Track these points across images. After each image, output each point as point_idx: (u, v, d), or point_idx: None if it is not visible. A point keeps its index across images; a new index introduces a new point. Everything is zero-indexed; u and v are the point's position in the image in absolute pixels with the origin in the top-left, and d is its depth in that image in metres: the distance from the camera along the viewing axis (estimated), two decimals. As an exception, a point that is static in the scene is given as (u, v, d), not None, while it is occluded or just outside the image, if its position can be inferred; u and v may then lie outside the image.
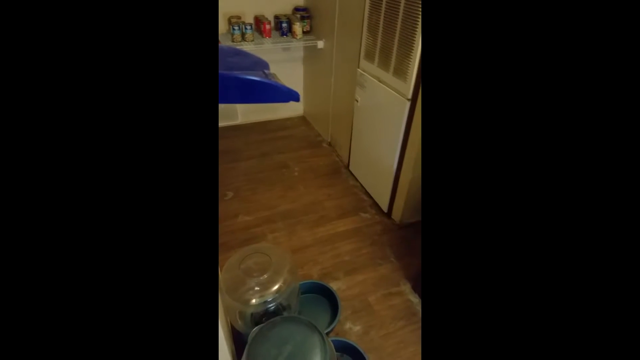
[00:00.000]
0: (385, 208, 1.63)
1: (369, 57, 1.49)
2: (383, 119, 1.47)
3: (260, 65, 0.51)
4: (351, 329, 1.15)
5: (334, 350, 0.82)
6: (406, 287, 1.30)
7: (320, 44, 1.99)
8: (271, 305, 0.92)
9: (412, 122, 1.32)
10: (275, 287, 0.90)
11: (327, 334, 1.10)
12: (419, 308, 1.23)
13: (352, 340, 1.09)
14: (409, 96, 1.28)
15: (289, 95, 0.46)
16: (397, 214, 1.57)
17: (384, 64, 1.39)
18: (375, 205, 1.69)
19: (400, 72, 1.29)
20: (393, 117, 1.39)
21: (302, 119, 2.51)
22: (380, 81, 1.44)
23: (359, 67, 1.59)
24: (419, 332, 1.16)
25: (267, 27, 1.93)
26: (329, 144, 2.19)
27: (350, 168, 1.91)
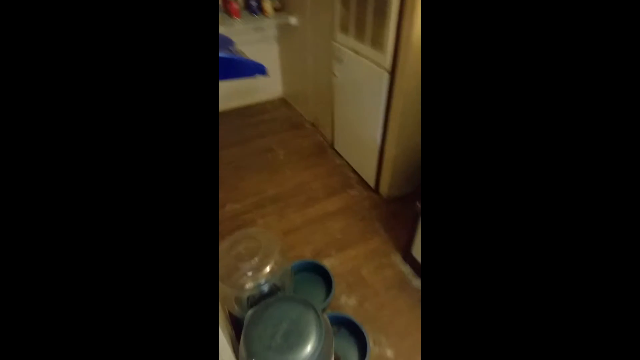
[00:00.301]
0: (372, 184, 1.64)
1: (344, 29, 1.45)
2: (363, 92, 1.46)
3: (224, 42, 0.49)
4: (346, 303, 1.18)
5: (330, 324, 0.84)
6: (397, 258, 1.33)
7: (293, 21, 1.92)
8: (265, 287, 0.93)
9: (392, 94, 1.30)
10: (267, 269, 0.91)
11: (323, 309, 1.12)
12: (410, 277, 1.26)
13: (348, 313, 1.12)
14: (388, 67, 1.26)
15: (256, 69, 0.44)
16: (384, 189, 1.58)
17: (360, 35, 1.35)
18: (362, 181, 1.70)
19: (377, 42, 1.27)
20: (373, 90, 1.37)
21: (282, 101, 2.46)
22: (357, 53, 1.41)
23: (335, 41, 1.55)
24: (412, 300, 1.19)
25: (235, 6, 1.85)
26: (312, 124, 2.16)
27: (335, 147, 1.90)
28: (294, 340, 0.73)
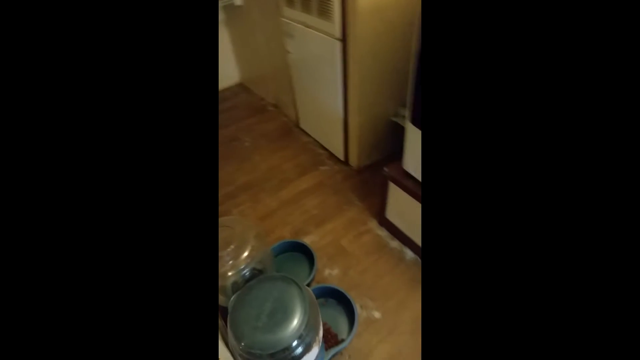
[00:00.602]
0: (341, 157, 1.65)
1: (290, 2, 1.40)
2: (319, 65, 1.43)
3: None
4: (330, 274, 1.21)
5: (314, 295, 0.86)
6: (373, 224, 1.37)
7: (238, 1, 1.83)
8: (246, 272, 0.93)
9: (347, 62, 1.29)
10: (245, 254, 0.90)
11: (308, 284, 1.14)
12: (387, 240, 1.31)
13: (333, 283, 1.15)
14: (338, 35, 1.24)
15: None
16: (353, 160, 1.60)
17: (306, 7, 1.32)
18: (332, 156, 1.71)
19: (324, 12, 1.24)
20: (328, 61, 1.35)
21: (241, 87, 2.39)
22: (306, 26, 1.38)
23: (282, 16, 1.50)
24: (392, 260, 1.24)
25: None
26: (274, 105, 2.12)
27: (301, 125, 1.88)
28: (280, 316, 0.75)
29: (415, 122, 0.98)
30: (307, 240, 1.32)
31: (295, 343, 0.73)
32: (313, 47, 1.40)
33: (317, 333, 0.80)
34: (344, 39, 1.24)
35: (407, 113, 1.00)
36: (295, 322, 0.74)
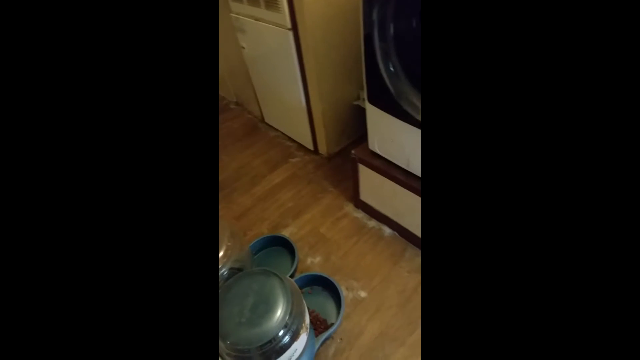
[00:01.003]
0: (310, 146, 1.65)
1: (236, -4, 1.37)
2: (274, 57, 1.42)
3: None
4: (313, 262, 1.22)
5: (295, 284, 0.86)
6: (349, 208, 1.39)
7: None
8: (225, 272, 0.92)
9: (301, 51, 1.29)
10: (220, 254, 0.89)
11: (292, 275, 1.15)
12: (365, 221, 1.33)
13: (317, 271, 1.16)
14: (289, 25, 1.23)
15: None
16: (322, 148, 1.60)
17: (253, 0, 1.29)
18: (301, 147, 1.71)
19: (271, 3, 1.22)
20: (283, 52, 1.34)
21: (201, 89, 2.33)
22: (256, 19, 1.35)
23: (231, 12, 1.47)
24: (371, 240, 1.27)
25: None
26: (236, 103, 2.08)
27: (266, 120, 1.86)
28: (263, 309, 0.75)
29: (372, 102, 0.99)
30: (286, 233, 1.32)
31: (281, 332, 0.73)
32: (266, 40, 1.38)
33: (303, 320, 0.80)
34: (294, 28, 1.23)
35: (364, 94, 1.01)
36: (279, 312, 0.74)
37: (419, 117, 0.84)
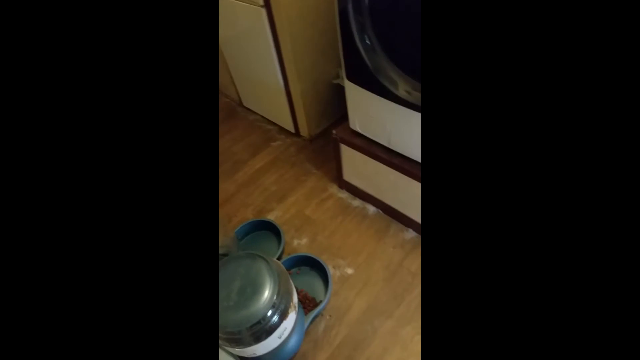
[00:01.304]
0: (291, 129, 1.63)
1: (204, -28, 1.30)
2: (248, 37, 1.37)
3: None
4: (299, 244, 1.23)
5: (282, 265, 0.87)
6: (333, 189, 1.39)
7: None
8: (210, 258, 0.91)
9: (276, 29, 1.24)
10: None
11: (279, 257, 1.15)
12: (349, 201, 1.34)
13: (304, 252, 1.17)
14: (261, 2, 1.18)
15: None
16: (304, 130, 1.58)
17: (222, -26, 1.23)
18: (282, 130, 1.68)
19: (241, -23, 1.16)
20: (257, 31, 1.29)
21: (175, 74, 2.24)
22: (227, -3, 1.29)
23: (200, -10, 1.39)
24: (356, 219, 1.28)
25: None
26: (214, 88, 2.02)
27: (245, 104, 1.82)
28: (250, 291, 0.75)
29: (351, 78, 0.98)
30: (272, 217, 1.32)
31: (269, 312, 0.74)
32: (238, 19, 1.33)
33: (291, 299, 0.81)
34: (267, 6, 1.18)
35: (342, 72, 0.99)
36: (266, 293, 0.75)
37: (398, 93, 0.83)
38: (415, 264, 1.13)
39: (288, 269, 1.13)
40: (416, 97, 0.79)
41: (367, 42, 0.81)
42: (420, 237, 1.18)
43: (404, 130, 0.95)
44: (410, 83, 0.79)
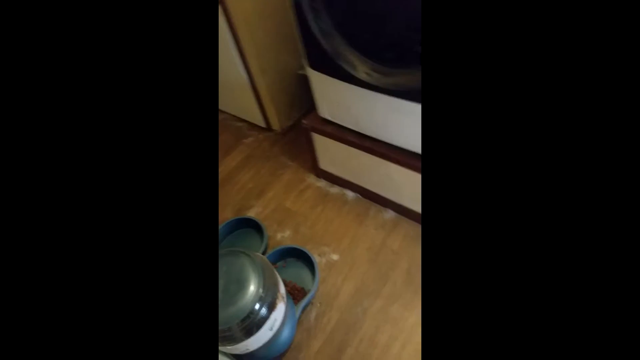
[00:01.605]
0: (262, 124, 1.61)
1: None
2: (207, 36, 1.33)
3: None
4: (283, 237, 1.23)
5: (265, 258, 0.87)
6: (311, 179, 1.40)
7: None
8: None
9: (232, 24, 1.22)
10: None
11: (264, 252, 1.15)
12: (327, 188, 1.35)
13: (288, 244, 1.17)
14: (214, -3, 1.15)
15: None
16: (275, 124, 1.57)
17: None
18: (253, 126, 1.66)
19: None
20: (214, 29, 1.26)
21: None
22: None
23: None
24: (336, 205, 1.29)
25: None
26: (179, 92, 1.96)
27: (212, 104, 1.78)
28: (235, 287, 0.75)
29: (313, 66, 0.98)
30: (252, 213, 1.31)
31: (257, 306, 0.74)
32: (194, 16, 1.29)
33: (277, 290, 0.82)
34: (221, 2, 1.16)
35: (305, 61, 0.99)
36: (251, 287, 0.75)
37: (358, 75, 0.84)
38: (397, 242, 1.16)
39: (274, 262, 1.13)
40: (376, 78, 0.81)
41: (324, 27, 0.81)
42: (399, 215, 1.21)
43: (369, 112, 0.97)
44: (369, 64, 0.80)
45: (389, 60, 0.76)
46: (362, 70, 0.82)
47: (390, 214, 1.23)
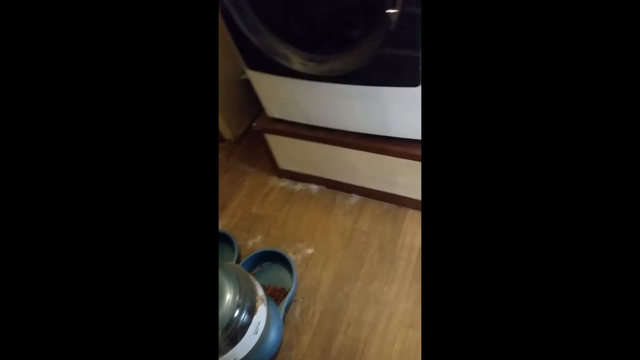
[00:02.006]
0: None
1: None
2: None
3: None
4: (255, 243, 1.21)
5: (237, 265, 0.86)
6: (273, 180, 1.39)
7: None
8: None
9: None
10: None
11: (237, 262, 1.13)
12: (292, 187, 1.35)
13: (261, 249, 1.16)
14: None
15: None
16: (226, 133, 1.55)
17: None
18: (206, 139, 1.62)
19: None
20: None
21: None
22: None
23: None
24: (302, 201, 1.30)
25: None
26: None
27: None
28: (210, 300, 0.73)
29: (251, 66, 0.98)
30: (220, 226, 1.28)
31: (237, 313, 0.73)
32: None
33: (256, 294, 0.81)
34: None
35: (241, 62, 0.99)
36: (227, 295, 0.73)
37: (294, 67, 0.85)
38: (365, 223, 1.18)
39: (249, 270, 1.11)
40: (311, 67, 0.82)
41: (250, 23, 0.81)
42: (364, 198, 1.24)
43: (315, 103, 0.98)
44: (301, 54, 0.81)
45: (319, 48, 0.78)
46: (296, 62, 0.83)
47: (355, 199, 1.25)
